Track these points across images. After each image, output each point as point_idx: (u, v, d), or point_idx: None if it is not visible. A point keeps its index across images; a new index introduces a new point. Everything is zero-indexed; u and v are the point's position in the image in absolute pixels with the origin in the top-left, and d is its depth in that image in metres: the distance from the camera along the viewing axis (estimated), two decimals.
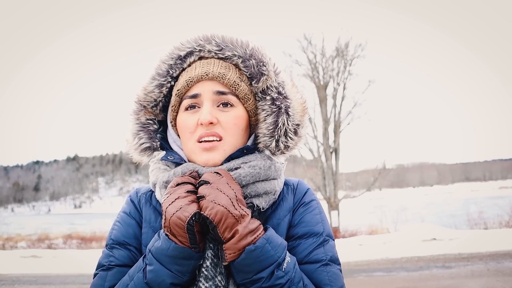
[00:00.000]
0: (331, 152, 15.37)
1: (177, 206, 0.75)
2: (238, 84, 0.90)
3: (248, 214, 0.78)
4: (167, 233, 0.77)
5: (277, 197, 0.93)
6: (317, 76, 15.51)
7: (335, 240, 10.89)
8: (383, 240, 10.41)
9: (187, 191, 0.79)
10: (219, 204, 0.74)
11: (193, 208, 0.75)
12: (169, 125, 0.99)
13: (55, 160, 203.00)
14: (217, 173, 0.82)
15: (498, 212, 13.35)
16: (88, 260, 9.89)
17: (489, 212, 14.60)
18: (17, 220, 59.27)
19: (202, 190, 0.78)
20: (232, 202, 0.76)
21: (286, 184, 0.99)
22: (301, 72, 15.83)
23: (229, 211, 0.74)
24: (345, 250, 9.09)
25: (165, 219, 0.76)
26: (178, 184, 0.81)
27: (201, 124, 0.86)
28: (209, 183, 0.79)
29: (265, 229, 0.81)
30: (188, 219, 0.73)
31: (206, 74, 0.88)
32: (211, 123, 0.86)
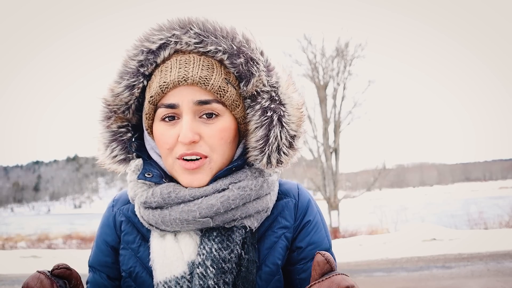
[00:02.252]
0: (331, 152, 15.37)
1: None
2: (224, 90, 0.74)
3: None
4: None
5: (269, 213, 0.83)
6: (317, 76, 15.52)
7: (335, 240, 10.88)
8: (383, 240, 10.40)
9: None
10: None
11: None
12: (145, 131, 0.84)
13: (55, 160, 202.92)
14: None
15: (498, 212, 13.35)
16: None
17: (489, 212, 14.60)
18: (17, 220, 59.27)
19: None
20: None
21: (284, 194, 0.88)
22: (301, 72, 15.86)
23: None
24: (345, 250, 9.09)
25: None
26: None
27: (181, 142, 0.74)
28: None
29: None
30: None
31: (185, 80, 0.72)
32: (193, 142, 0.73)
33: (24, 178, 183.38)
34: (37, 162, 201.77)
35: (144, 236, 0.83)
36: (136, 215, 0.85)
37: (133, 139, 0.86)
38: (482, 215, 13.51)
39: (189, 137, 0.72)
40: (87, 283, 0.89)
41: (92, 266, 0.90)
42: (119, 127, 0.84)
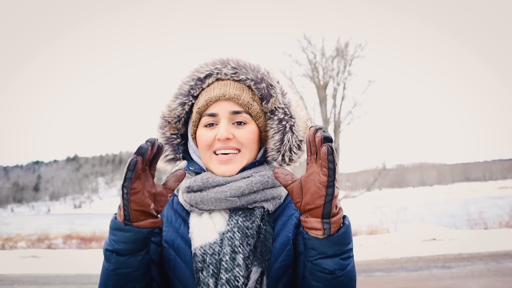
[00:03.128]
0: None
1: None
2: (251, 104, 1.03)
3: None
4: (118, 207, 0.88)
5: (282, 201, 1.07)
6: (317, 76, 15.52)
7: None
8: (383, 240, 10.42)
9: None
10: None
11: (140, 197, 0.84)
12: (190, 137, 1.12)
13: (55, 160, 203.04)
14: None
15: (498, 212, 13.36)
16: (88, 260, 9.88)
17: (489, 212, 14.61)
18: (17, 220, 59.28)
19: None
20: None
21: None
22: (301, 72, 15.86)
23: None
24: None
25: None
26: None
27: (219, 139, 1.00)
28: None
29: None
30: (121, 187, 0.83)
31: (223, 95, 1.01)
32: (228, 138, 1.00)
33: (24, 178, 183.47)
34: (37, 162, 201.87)
35: (184, 219, 1.07)
36: (178, 204, 1.11)
37: (180, 145, 1.13)
38: (482, 215, 13.52)
39: (225, 134, 0.99)
40: None
41: None
42: (172, 134, 1.12)
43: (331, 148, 0.79)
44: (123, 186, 0.82)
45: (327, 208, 0.82)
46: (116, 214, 0.89)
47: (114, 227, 0.87)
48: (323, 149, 0.80)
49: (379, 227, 14.82)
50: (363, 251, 9.30)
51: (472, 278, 6.24)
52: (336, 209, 0.84)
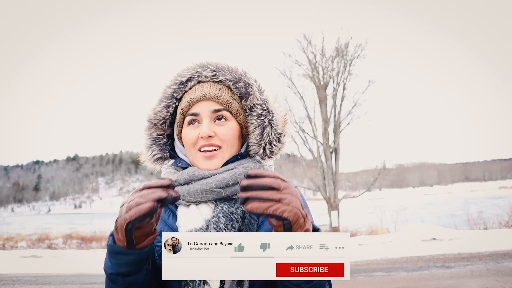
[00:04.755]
0: (331, 152, 15.38)
1: (123, 211, 0.83)
2: (230, 102, 1.10)
3: (308, 214, 0.89)
4: (114, 230, 0.87)
5: None
6: (317, 76, 15.52)
7: None
8: (383, 240, 10.43)
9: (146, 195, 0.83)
10: (295, 208, 0.83)
11: (139, 211, 0.81)
12: (176, 137, 1.19)
13: (55, 160, 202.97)
14: (281, 178, 0.86)
15: (498, 212, 13.36)
16: (88, 260, 9.89)
17: (488, 212, 14.62)
18: (17, 220, 59.30)
19: (274, 195, 0.83)
20: (301, 205, 0.86)
21: None
22: (301, 72, 15.87)
23: (301, 212, 0.84)
24: None
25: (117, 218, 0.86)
26: (144, 188, 0.85)
27: (202, 137, 1.06)
28: (275, 188, 0.84)
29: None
30: (126, 223, 0.81)
31: (204, 95, 1.08)
32: (210, 136, 1.06)
33: (24, 178, 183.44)
34: (37, 162, 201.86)
35: (172, 211, 1.10)
36: None
37: (167, 145, 1.19)
38: (482, 215, 13.54)
39: (207, 132, 1.05)
40: None
41: None
42: (158, 134, 1.18)
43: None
44: (129, 222, 0.81)
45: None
46: (112, 237, 0.88)
47: (115, 252, 0.88)
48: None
49: (379, 227, 14.84)
50: (363, 251, 9.31)
51: (472, 278, 6.25)
52: (302, 230, 0.85)
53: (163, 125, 1.17)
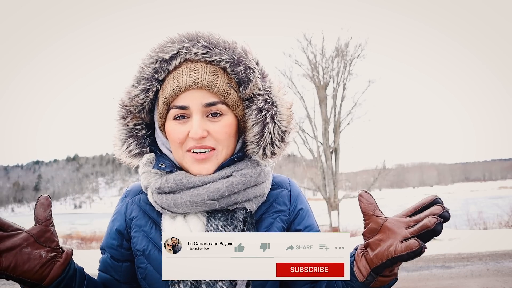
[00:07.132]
0: (331, 152, 15.37)
1: None
2: (227, 92, 0.87)
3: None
4: None
5: (265, 198, 0.95)
6: (317, 76, 15.51)
7: None
8: None
9: None
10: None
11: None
12: (157, 128, 0.97)
13: (55, 160, 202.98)
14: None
15: (498, 212, 13.36)
16: (88, 260, 9.83)
17: (488, 212, 14.62)
18: (17, 220, 58.54)
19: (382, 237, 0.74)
20: None
21: (277, 185, 1.01)
22: (301, 72, 15.85)
23: None
24: None
25: None
26: None
27: (192, 138, 0.86)
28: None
29: None
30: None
31: (195, 84, 0.84)
32: (202, 137, 0.86)
33: (24, 178, 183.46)
34: (37, 162, 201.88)
35: (155, 221, 0.94)
36: (146, 203, 0.96)
37: (146, 136, 0.98)
38: (482, 215, 13.53)
39: (199, 133, 0.85)
40: (100, 262, 1.02)
41: (102, 248, 1.01)
42: (135, 125, 0.96)
43: (441, 226, 0.72)
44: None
45: (385, 266, 0.73)
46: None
47: None
48: (432, 220, 0.71)
49: None
50: None
51: (472, 278, 6.24)
52: (389, 272, 0.76)
53: (141, 112, 0.94)
